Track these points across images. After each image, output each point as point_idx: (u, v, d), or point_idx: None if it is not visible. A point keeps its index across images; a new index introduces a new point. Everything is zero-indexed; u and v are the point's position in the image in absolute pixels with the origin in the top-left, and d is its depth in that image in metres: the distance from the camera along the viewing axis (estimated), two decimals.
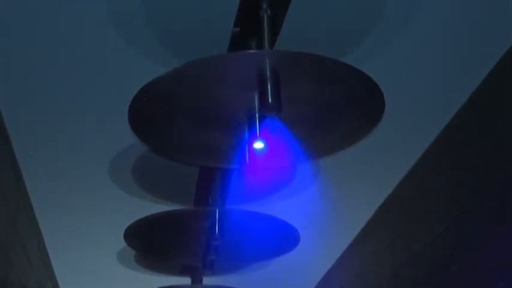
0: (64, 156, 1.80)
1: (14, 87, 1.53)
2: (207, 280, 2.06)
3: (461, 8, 1.33)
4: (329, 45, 1.36)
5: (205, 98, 1.20)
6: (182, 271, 2.13)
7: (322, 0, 1.30)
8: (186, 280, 2.10)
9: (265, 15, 1.21)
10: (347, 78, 1.16)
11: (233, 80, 1.17)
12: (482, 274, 1.52)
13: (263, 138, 1.23)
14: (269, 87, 1.13)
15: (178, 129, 1.29)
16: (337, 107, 1.23)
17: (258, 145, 1.24)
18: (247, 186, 1.66)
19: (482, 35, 1.41)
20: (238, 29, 1.32)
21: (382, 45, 1.40)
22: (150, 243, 1.84)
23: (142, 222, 1.67)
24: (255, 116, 1.20)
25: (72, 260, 2.48)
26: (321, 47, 1.31)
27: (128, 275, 2.48)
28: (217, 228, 1.64)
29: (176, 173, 1.81)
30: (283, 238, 1.74)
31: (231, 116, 1.25)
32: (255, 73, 1.14)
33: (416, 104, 1.63)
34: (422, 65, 1.49)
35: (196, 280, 2.02)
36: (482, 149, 1.56)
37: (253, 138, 1.22)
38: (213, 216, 1.66)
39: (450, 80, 1.56)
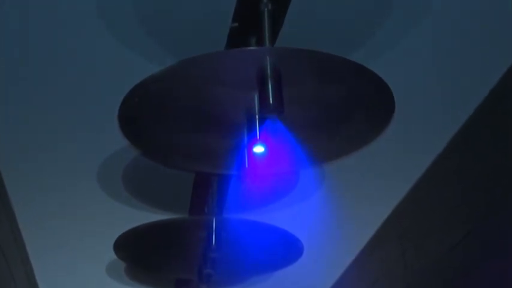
0: (50, 162, 1.80)
1: None
2: None
3: (472, 7, 1.33)
4: (333, 43, 1.37)
5: (201, 98, 1.21)
6: (177, 285, 2.13)
7: None
8: None
9: (265, 9, 1.21)
10: (354, 78, 1.16)
11: (231, 79, 1.17)
12: (503, 286, 1.51)
13: (263, 141, 1.23)
14: (270, 86, 1.13)
15: (172, 132, 1.30)
16: (343, 108, 1.24)
17: (258, 149, 1.24)
18: (247, 193, 1.66)
19: (493, 37, 1.41)
20: (236, 24, 1.32)
21: (390, 44, 1.41)
22: (142, 255, 1.84)
23: (133, 233, 1.67)
24: (255, 117, 1.21)
25: (59, 275, 2.47)
26: (324, 44, 1.30)
27: None
28: (214, 239, 1.64)
29: (170, 180, 1.81)
30: (285, 249, 1.75)
31: (229, 118, 1.25)
32: (254, 72, 1.14)
33: (429, 105, 1.63)
34: (433, 64, 1.50)
35: None
36: (504, 151, 1.56)
37: (252, 141, 1.23)
38: (210, 226, 1.66)
39: (465, 80, 1.56)
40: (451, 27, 1.39)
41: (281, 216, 1.83)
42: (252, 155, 1.25)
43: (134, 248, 1.78)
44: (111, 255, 1.80)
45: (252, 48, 1.25)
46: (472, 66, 1.51)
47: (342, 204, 1.99)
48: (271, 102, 1.12)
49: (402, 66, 1.47)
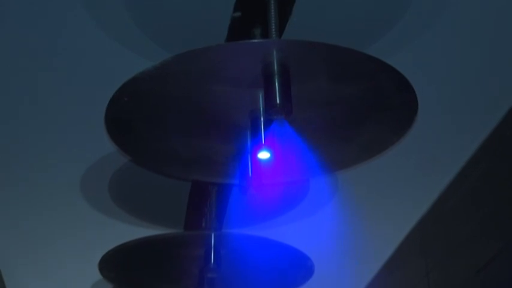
0: (27, 170, 1.80)
1: None
2: None
3: None
4: (346, 36, 1.37)
5: (198, 97, 1.21)
6: None
7: None
8: None
9: None
10: (373, 75, 1.16)
11: (233, 76, 1.17)
12: None
13: (269, 146, 1.23)
14: (276, 84, 1.13)
15: (165, 136, 1.30)
16: (360, 109, 1.24)
17: (264, 155, 1.24)
18: (250, 205, 1.66)
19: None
20: (239, 13, 1.32)
21: (410, 38, 1.41)
22: (130, 275, 1.84)
23: (121, 250, 1.66)
24: (260, 119, 1.21)
25: None
26: (336, 37, 1.31)
27: None
28: (212, 258, 1.64)
29: (163, 190, 1.82)
30: (293, 269, 1.74)
31: (230, 120, 1.25)
32: (259, 67, 1.14)
33: (455, 107, 1.63)
34: (459, 62, 1.50)
35: None
36: None
37: (257, 146, 1.23)
38: (208, 242, 1.66)
39: (494, 80, 1.56)
40: (479, 18, 1.39)
41: (289, 231, 1.84)
42: (256, 161, 1.25)
43: (122, 268, 1.78)
44: (96, 275, 1.80)
45: (256, 40, 1.25)
46: (503, 62, 1.50)
47: (358, 218, 2.00)
48: (277, 102, 1.13)
49: (423, 63, 1.47)
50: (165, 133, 1.29)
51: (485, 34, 1.43)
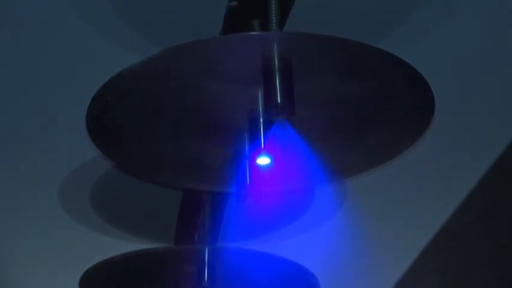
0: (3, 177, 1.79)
1: None
2: None
3: None
4: (353, 28, 1.37)
5: (190, 96, 1.20)
6: None
7: None
8: None
9: None
10: (384, 71, 1.16)
11: (228, 72, 1.17)
12: None
13: (269, 151, 1.23)
14: (277, 82, 1.13)
15: (153, 139, 1.30)
16: (370, 110, 1.24)
17: (263, 160, 1.24)
18: (248, 216, 1.66)
19: None
20: (236, 3, 1.32)
21: (424, 31, 1.41)
22: None
23: (104, 266, 1.66)
24: (259, 121, 1.21)
25: None
26: (342, 29, 1.31)
27: None
28: (206, 275, 1.63)
29: (150, 199, 1.82)
30: (296, 286, 1.74)
31: (226, 121, 1.25)
32: (258, 63, 1.13)
33: (480, 105, 1.63)
34: (479, 57, 1.50)
35: None
36: None
37: (256, 151, 1.22)
38: (201, 258, 1.65)
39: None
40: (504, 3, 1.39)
41: (291, 246, 1.83)
42: (254, 167, 1.25)
43: (105, 286, 1.78)
44: None
45: (255, 33, 1.25)
46: None
47: (368, 231, 2.00)
48: (279, 101, 1.12)
49: (442, 57, 1.48)
50: (153, 136, 1.28)
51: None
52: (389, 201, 1.92)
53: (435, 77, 1.20)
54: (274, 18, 1.21)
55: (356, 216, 1.92)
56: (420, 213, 1.98)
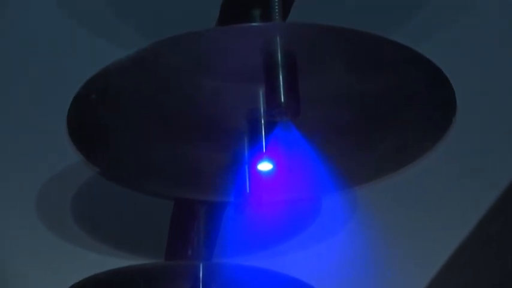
0: None
1: None
2: None
3: None
4: (364, 20, 1.38)
5: (184, 95, 1.21)
6: None
7: None
8: None
9: None
10: (400, 66, 1.16)
11: (226, 68, 1.17)
12: None
13: (272, 156, 1.23)
14: (281, 78, 1.13)
15: (142, 142, 1.30)
16: (383, 109, 1.24)
17: (264, 166, 1.24)
18: (247, 228, 1.66)
19: None
20: None
21: (443, 22, 1.42)
22: None
23: (88, 284, 1.66)
24: (260, 122, 1.21)
25: None
26: (352, 21, 1.31)
27: None
28: None
29: (139, 210, 1.82)
30: None
31: (224, 123, 1.25)
32: (259, 58, 1.13)
33: (501, 106, 1.63)
34: (503, 52, 1.51)
35: None
36: None
37: (257, 156, 1.22)
38: (195, 275, 1.65)
39: None
40: None
41: (295, 261, 1.84)
42: (255, 174, 1.24)
43: None
44: None
45: (255, 24, 1.24)
46: None
47: (380, 245, 1.99)
48: (282, 100, 1.12)
49: (464, 50, 1.48)
50: (142, 139, 1.28)
51: None
52: (405, 212, 1.91)
53: (457, 73, 1.20)
54: (276, 7, 1.21)
55: (367, 229, 1.92)
56: (439, 226, 1.97)
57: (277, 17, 1.20)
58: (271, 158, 1.23)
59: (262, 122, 1.21)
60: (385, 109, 1.24)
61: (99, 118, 1.24)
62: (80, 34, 1.41)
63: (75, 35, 1.41)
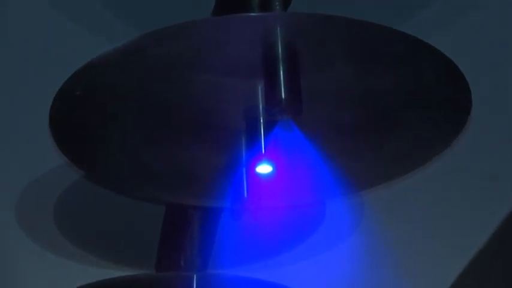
0: None
1: None
2: None
3: None
4: (371, 10, 1.41)
5: (176, 92, 1.21)
6: None
7: None
8: None
9: None
10: (410, 61, 1.16)
11: (222, 62, 1.17)
12: None
13: (271, 157, 1.23)
14: (281, 73, 1.13)
15: (131, 143, 1.30)
16: (392, 108, 1.24)
17: (263, 169, 1.24)
18: (245, 236, 1.66)
19: None
20: None
21: (457, 13, 1.42)
22: None
23: None
24: (259, 121, 1.21)
25: None
26: (359, 11, 1.32)
27: None
28: None
29: (127, 216, 1.82)
30: None
31: (219, 122, 1.25)
32: (257, 51, 1.13)
33: None
34: None
35: None
36: None
37: (255, 157, 1.22)
38: (188, 286, 1.65)
39: None
40: None
41: (296, 272, 1.84)
42: (253, 177, 1.24)
43: None
44: None
45: (254, 14, 1.24)
46: None
47: (388, 256, 1.99)
48: (282, 96, 1.12)
49: (479, 46, 1.48)
50: (130, 139, 1.28)
51: None
52: (415, 218, 1.91)
53: (472, 67, 1.20)
54: None
55: (374, 237, 1.92)
56: (452, 234, 1.97)
57: (277, 7, 1.20)
58: (270, 160, 1.23)
59: (261, 120, 1.20)
60: (393, 107, 1.24)
61: (85, 117, 1.24)
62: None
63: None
